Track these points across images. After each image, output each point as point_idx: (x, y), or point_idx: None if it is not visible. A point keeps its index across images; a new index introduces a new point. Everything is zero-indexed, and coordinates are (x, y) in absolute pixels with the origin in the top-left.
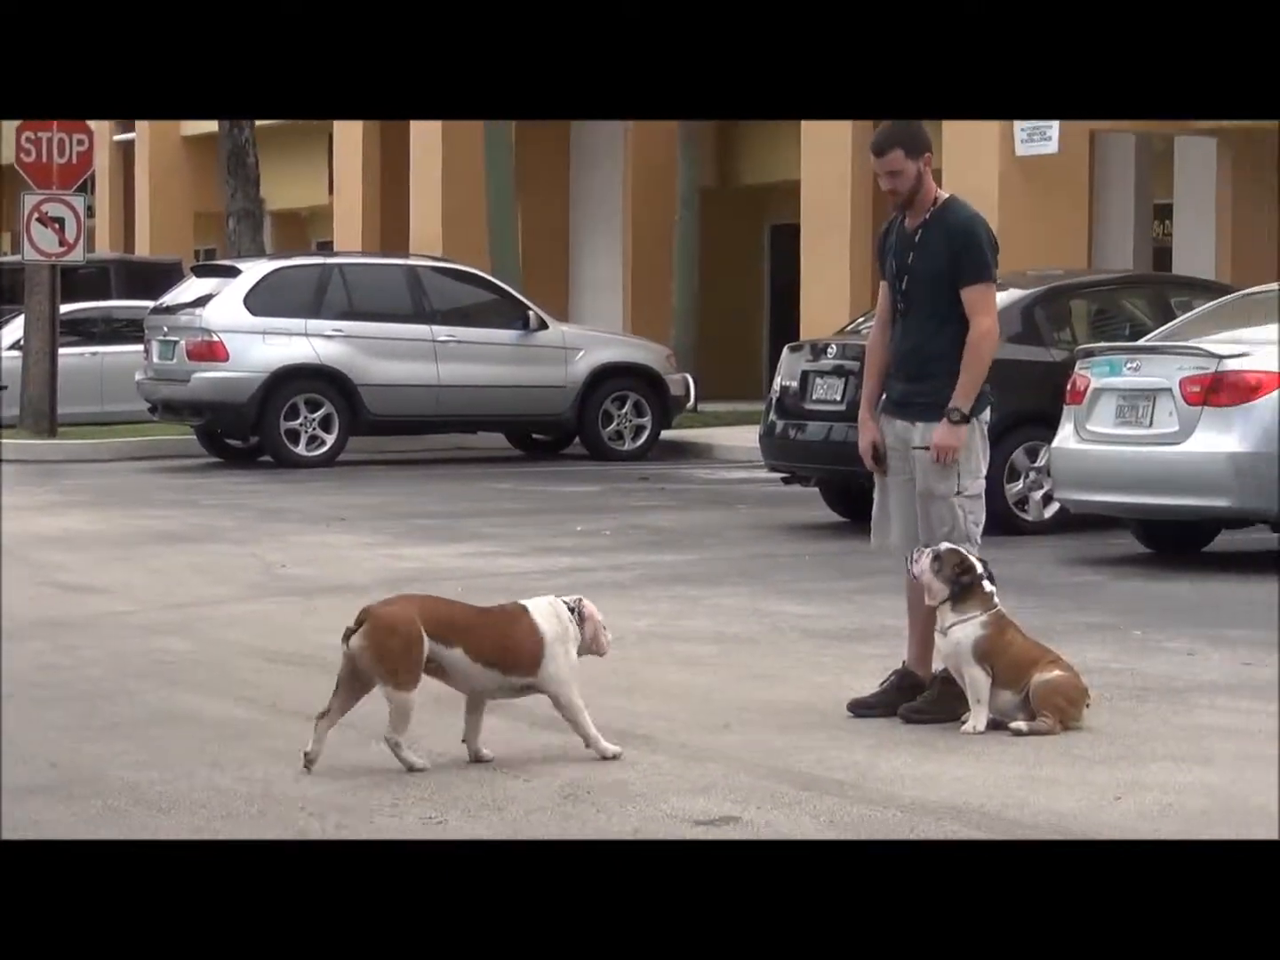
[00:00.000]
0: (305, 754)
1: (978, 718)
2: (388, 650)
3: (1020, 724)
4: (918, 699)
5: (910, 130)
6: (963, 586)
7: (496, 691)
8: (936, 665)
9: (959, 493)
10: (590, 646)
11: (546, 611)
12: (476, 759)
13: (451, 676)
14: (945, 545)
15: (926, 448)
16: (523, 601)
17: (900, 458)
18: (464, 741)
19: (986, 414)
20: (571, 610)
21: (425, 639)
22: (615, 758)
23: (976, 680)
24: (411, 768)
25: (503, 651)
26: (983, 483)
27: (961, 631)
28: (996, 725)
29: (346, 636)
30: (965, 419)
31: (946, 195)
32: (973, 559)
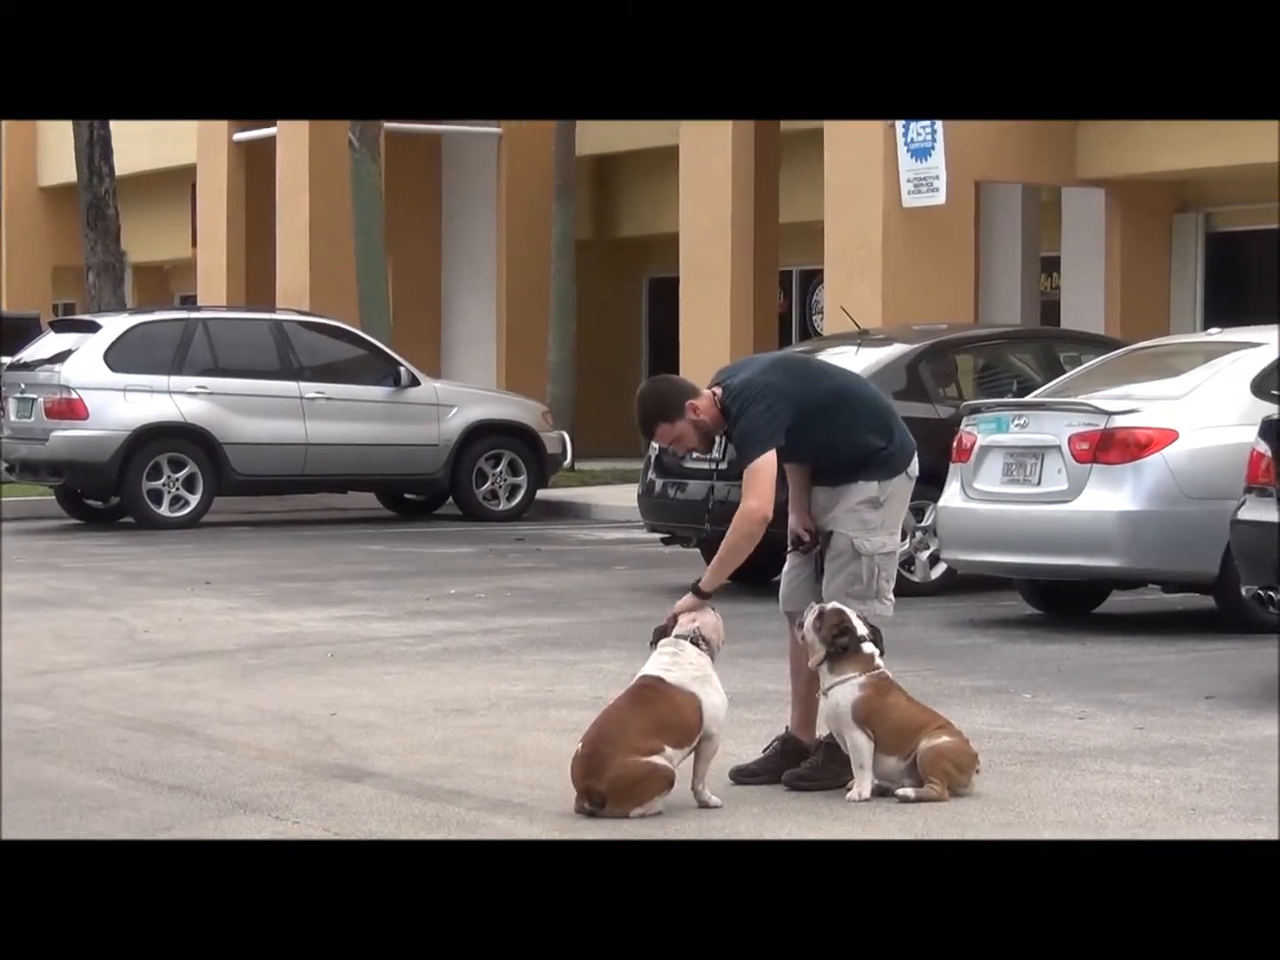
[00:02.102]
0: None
1: (862, 784)
2: None
3: (908, 790)
4: (802, 765)
5: (658, 400)
6: (840, 648)
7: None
8: (821, 730)
9: (880, 551)
10: (718, 651)
11: (683, 675)
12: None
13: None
14: (831, 605)
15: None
16: (648, 672)
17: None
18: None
19: (914, 468)
20: (695, 642)
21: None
22: (716, 807)
23: (858, 744)
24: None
25: (676, 732)
26: (898, 540)
27: (840, 693)
28: (884, 792)
29: None
30: (706, 596)
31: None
32: (854, 620)
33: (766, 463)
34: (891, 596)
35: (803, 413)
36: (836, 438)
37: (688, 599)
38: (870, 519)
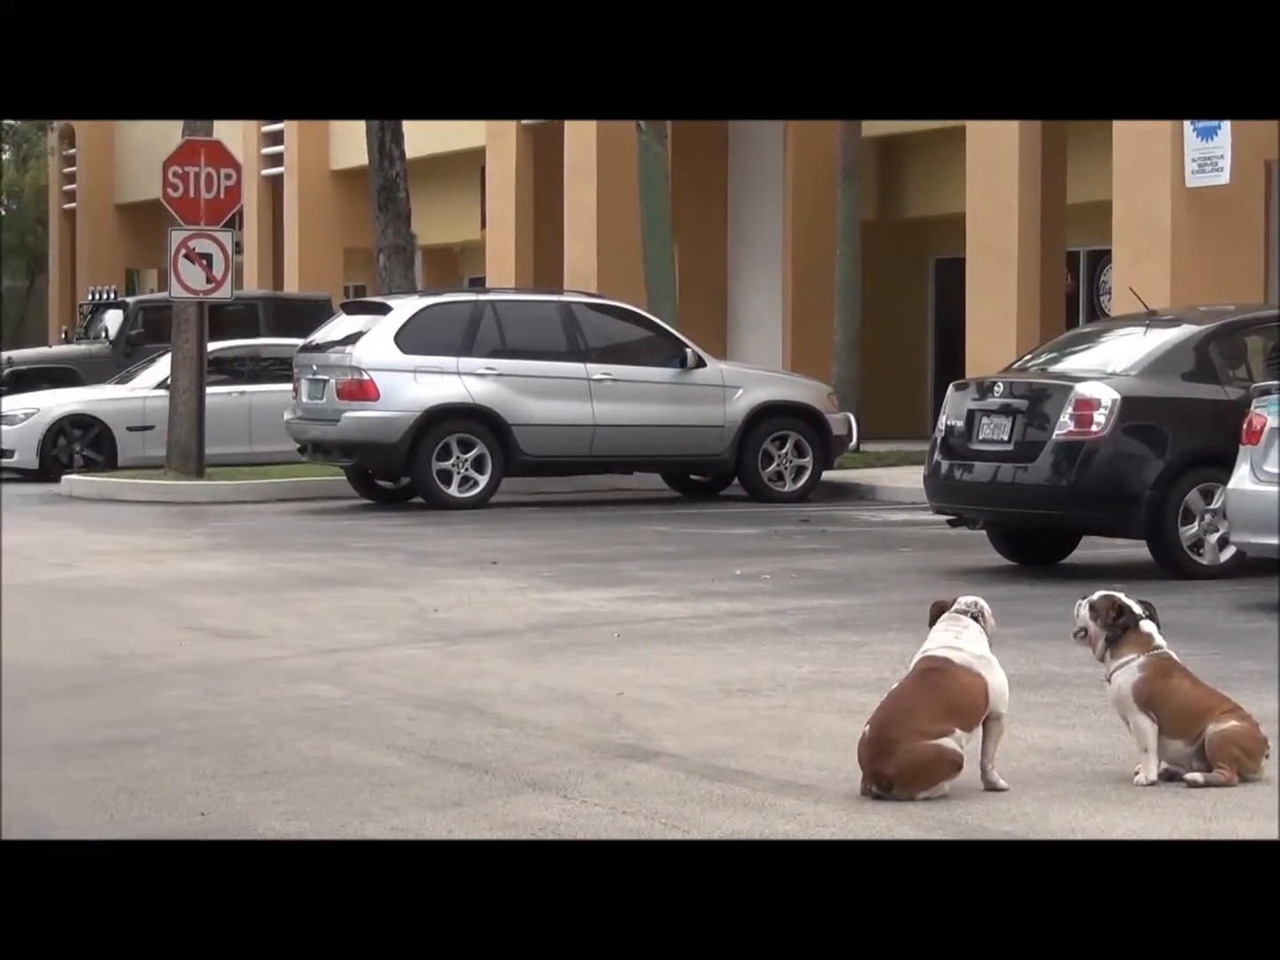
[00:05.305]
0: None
1: (1148, 767)
2: None
3: (1196, 775)
4: None
5: None
6: (1120, 629)
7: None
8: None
9: None
10: (994, 631)
11: (969, 655)
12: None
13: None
14: (1099, 593)
15: None
16: (934, 652)
17: None
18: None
19: None
20: (975, 618)
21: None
22: (1004, 790)
23: (1142, 728)
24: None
25: (964, 714)
26: None
27: (1122, 677)
28: (1172, 776)
29: None
30: None
31: None
32: (1127, 601)
33: None
34: None
35: None
36: None
37: None
38: None
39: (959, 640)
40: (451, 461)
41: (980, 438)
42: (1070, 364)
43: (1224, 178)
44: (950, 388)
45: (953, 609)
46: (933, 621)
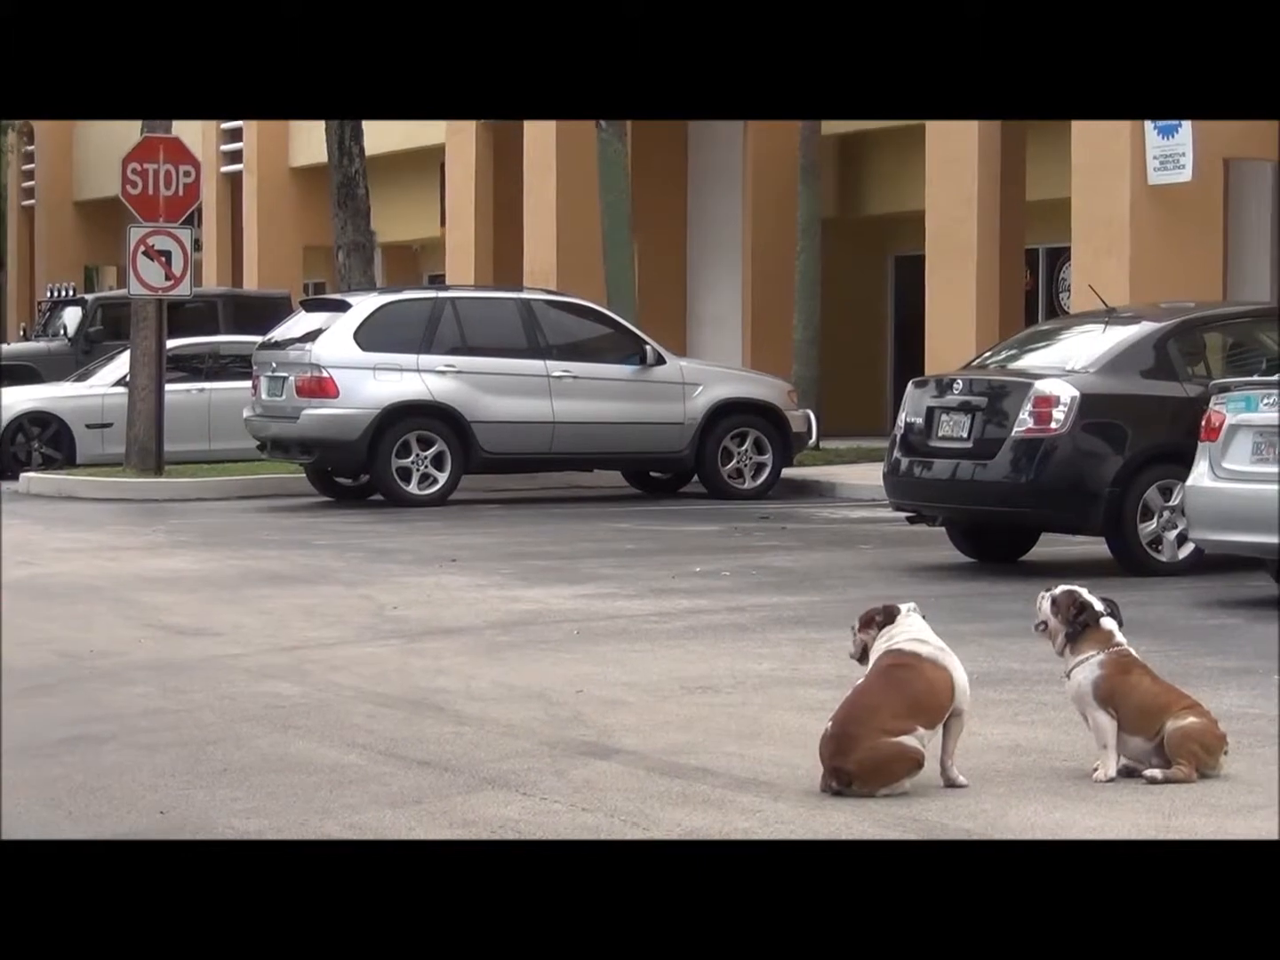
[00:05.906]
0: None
1: (1107, 764)
2: None
3: (1155, 772)
4: None
5: None
6: (1081, 625)
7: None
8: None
9: None
10: None
11: (933, 648)
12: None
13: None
14: (1061, 587)
15: None
16: (902, 647)
17: None
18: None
19: None
20: (924, 616)
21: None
22: (963, 786)
23: (1101, 724)
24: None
25: (928, 712)
26: None
27: (1081, 673)
28: (1131, 772)
29: None
30: None
31: None
32: (1088, 597)
33: None
34: None
35: None
36: None
37: None
38: None
39: (926, 633)
40: (411, 459)
41: (940, 435)
42: (1029, 361)
43: (1186, 175)
44: (910, 385)
45: (905, 607)
46: (885, 625)
